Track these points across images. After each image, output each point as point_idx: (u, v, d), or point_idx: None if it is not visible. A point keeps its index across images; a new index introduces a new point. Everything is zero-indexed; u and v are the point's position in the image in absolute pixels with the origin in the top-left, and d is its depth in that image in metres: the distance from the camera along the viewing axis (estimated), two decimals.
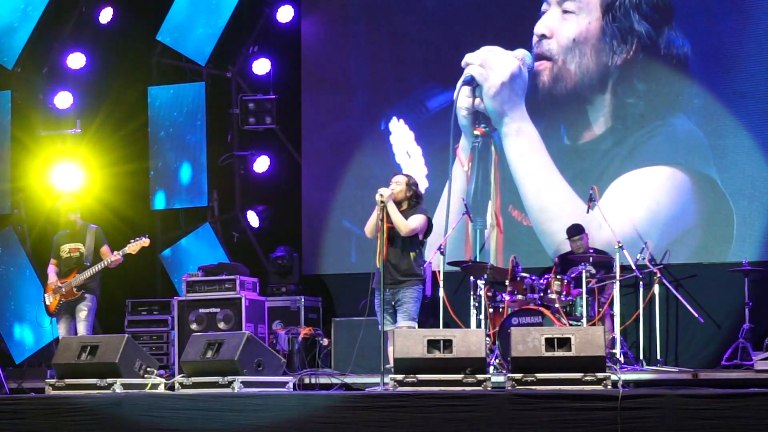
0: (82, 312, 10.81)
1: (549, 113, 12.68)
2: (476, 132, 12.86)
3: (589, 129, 12.59)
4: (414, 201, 9.67)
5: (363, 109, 13.50)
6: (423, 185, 12.88)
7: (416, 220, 9.53)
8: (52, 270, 11.01)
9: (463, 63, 12.79)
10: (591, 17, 12.52)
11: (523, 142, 12.68)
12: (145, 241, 10.93)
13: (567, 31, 12.59)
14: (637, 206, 12.24)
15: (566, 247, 11.87)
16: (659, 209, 12.20)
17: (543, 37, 12.65)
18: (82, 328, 10.77)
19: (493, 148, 12.86)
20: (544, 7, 12.71)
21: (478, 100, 12.81)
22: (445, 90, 13.05)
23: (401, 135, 13.24)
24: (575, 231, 11.71)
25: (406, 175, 9.83)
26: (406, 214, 9.53)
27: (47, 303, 10.94)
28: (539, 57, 12.66)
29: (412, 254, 9.58)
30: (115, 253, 10.83)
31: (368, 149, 13.37)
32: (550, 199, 12.53)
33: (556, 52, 12.60)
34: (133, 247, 10.88)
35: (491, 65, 12.72)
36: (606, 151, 12.50)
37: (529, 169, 12.66)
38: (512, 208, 12.73)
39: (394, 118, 13.27)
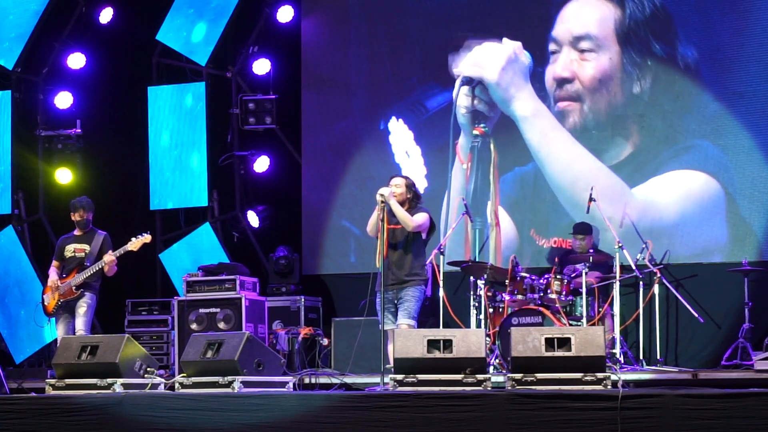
0: (81, 308, 10.78)
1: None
2: (475, 132, 12.86)
3: (617, 153, 12.50)
4: (414, 202, 9.72)
5: (362, 109, 13.50)
6: (422, 185, 12.92)
7: (421, 217, 9.61)
8: (53, 271, 10.98)
9: (456, 72, 12.79)
10: (611, 52, 12.45)
11: (540, 122, 12.61)
12: (146, 238, 10.88)
13: (589, 71, 12.50)
14: (674, 206, 12.19)
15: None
16: (696, 214, 12.11)
17: (565, 81, 12.55)
18: (80, 323, 10.74)
19: (492, 147, 12.86)
20: (552, 47, 12.62)
21: (477, 100, 12.81)
22: (444, 90, 13.06)
23: (400, 135, 13.24)
24: (581, 229, 11.74)
25: (405, 177, 9.87)
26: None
27: (45, 303, 10.92)
28: (564, 98, 12.56)
29: (414, 254, 9.61)
30: (110, 253, 10.76)
31: (367, 149, 13.38)
32: (580, 168, 12.43)
33: (582, 94, 12.52)
34: (135, 244, 10.83)
35: (484, 60, 12.73)
36: (633, 169, 12.42)
37: (553, 145, 12.58)
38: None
39: (394, 118, 13.28)
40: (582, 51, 12.54)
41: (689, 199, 12.16)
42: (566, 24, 12.63)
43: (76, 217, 11.03)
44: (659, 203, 12.23)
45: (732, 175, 12.04)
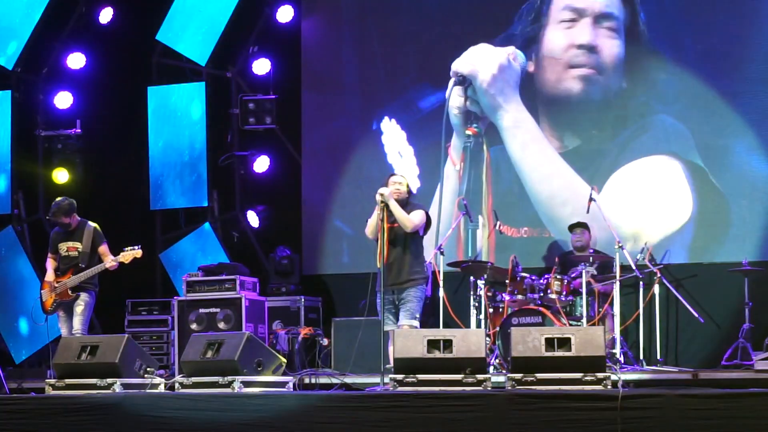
0: (79, 307, 10.76)
1: (540, 119, 12.70)
2: (468, 132, 12.87)
3: (577, 132, 12.61)
4: (409, 201, 9.74)
5: (356, 109, 13.51)
6: (415, 185, 12.92)
7: (418, 215, 9.61)
8: (50, 265, 10.96)
9: (451, 72, 12.79)
10: (622, 40, 12.48)
11: (523, 134, 12.68)
12: (137, 252, 10.74)
13: (613, 49, 12.50)
14: (638, 197, 12.25)
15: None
16: (660, 198, 12.21)
17: (588, 48, 12.53)
18: (77, 323, 10.73)
19: (485, 147, 12.86)
20: (567, 15, 12.62)
21: (469, 100, 12.82)
22: (437, 90, 13.06)
23: (393, 135, 13.25)
24: (577, 224, 11.76)
25: (403, 176, 9.89)
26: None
27: (43, 300, 10.91)
28: (581, 65, 12.59)
29: (413, 253, 9.61)
30: (112, 259, 10.76)
31: (360, 149, 13.38)
32: (559, 185, 12.50)
33: (602, 66, 12.51)
34: (125, 256, 10.76)
35: (479, 61, 12.74)
36: (596, 149, 12.53)
37: (533, 158, 12.63)
38: (501, 225, 12.65)
39: (386, 118, 13.28)
40: (605, 28, 12.54)
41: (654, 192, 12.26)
42: None
43: (58, 222, 10.97)
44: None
45: (732, 175, 12.04)
